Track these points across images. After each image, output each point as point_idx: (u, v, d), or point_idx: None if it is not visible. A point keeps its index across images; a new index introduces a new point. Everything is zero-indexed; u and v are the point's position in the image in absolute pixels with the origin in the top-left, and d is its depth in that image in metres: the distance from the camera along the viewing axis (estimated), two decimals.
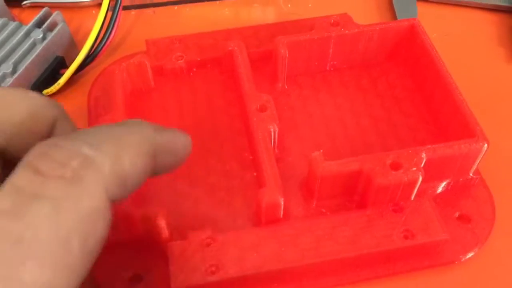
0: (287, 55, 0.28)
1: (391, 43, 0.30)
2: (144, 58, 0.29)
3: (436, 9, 0.36)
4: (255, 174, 0.26)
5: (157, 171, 0.18)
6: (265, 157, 0.24)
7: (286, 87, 0.30)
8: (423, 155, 0.23)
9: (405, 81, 0.30)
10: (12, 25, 0.31)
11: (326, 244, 0.23)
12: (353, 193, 0.25)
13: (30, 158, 0.15)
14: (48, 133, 0.19)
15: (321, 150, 0.24)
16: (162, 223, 0.23)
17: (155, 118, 0.29)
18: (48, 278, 0.13)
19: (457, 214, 0.26)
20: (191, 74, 0.31)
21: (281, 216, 0.24)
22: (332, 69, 0.31)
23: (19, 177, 0.14)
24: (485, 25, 0.36)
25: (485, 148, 0.24)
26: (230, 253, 0.23)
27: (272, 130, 0.25)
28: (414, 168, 0.23)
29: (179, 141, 0.19)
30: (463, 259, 0.24)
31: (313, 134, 0.28)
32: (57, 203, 0.14)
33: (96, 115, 0.29)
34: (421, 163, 0.23)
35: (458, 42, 0.35)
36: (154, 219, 0.22)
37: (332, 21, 0.29)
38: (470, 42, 0.35)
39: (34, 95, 0.19)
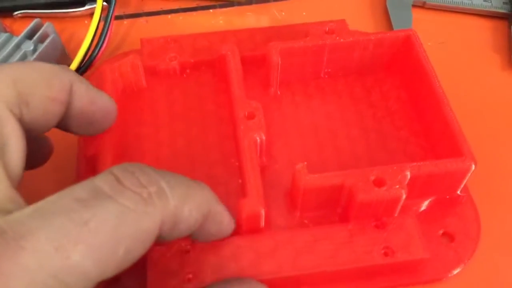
0: (279, 62, 0.28)
1: (386, 53, 0.29)
2: (136, 58, 0.28)
3: (431, 16, 0.36)
4: (240, 181, 0.26)
5: (199, 235, 0.21)
6: (249, 166, 0.24)
7: (279, 92, 0.30)
8: (408, 172, 0.23)
9: (399, 92, 0.30)
10: (3, 36, 0.31)
11: (305, 257, 0.23)
12: (336, 207, 0.24)
13: (115, 170, 0.17)
14: (68, 98, 0.21)
15: (305, 163, 0.23)
16: None
17: (146, 118, 0.29)
18: (88, 265, 0.15)
19: (441, 232, 0.25)
20: (184, 75, 0.30)
21: (263, 225, 0.24)
22: (326, 76, 0.30)
23: (102, 180, 0.17)
24: (481, 32, 0.35)
25: (473, 168, 0.24)
26: (208, 262, 0.23)
27: (258, 138, 0.25)
28: (398, 186, 0.23)
29: (227, 217, 0.22)
30: (445, 278, 0.24)
31: (302, 143, 0.28)
32: (125, 210, 0.16)
33: None
34: (405, 181, 0.23)
35: (453, 49, 0.34)
36: None
37: (327, 28, 0.29)
38: (465, 49, 0.34)
39: (45, 65, 0.20)
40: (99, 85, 0.28)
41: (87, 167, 0.25)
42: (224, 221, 0.22)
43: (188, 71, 0.30)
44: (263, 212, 0.23)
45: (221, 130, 0.28)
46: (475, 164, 0.24)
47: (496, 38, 0.35)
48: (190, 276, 0.22)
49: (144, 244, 0.17)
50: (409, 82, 0.29)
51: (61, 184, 0.26)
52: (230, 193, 0.26)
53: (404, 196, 0.23)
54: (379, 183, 0.23)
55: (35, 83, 0.19)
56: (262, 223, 0.24)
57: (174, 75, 0.30)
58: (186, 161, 0.27)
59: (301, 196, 0.24)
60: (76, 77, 0.21)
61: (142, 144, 0.28)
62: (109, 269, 0.16)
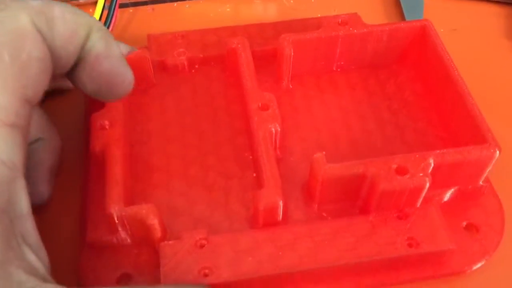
0: (292, 54, 0.27)
1: (401, 44, 0.29)
2: (145, 52, 0.28)
3: (443, 2, 0.36)
4: (254, 174, 0.25)
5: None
6: (265, 157, 0.23)
7: (291, 86, 0.29)
8: (431, 160, 0.22)
9: (414, 84, 0.29)
10: None
11: (325, 250, 0.22)
12: (356, 198, 0.23)
13: None
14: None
15: (324, 152, 0.23)
16: (154, 222, 0.22)
17: (154, 114, 0.28)
18: None
19: (464, 224, 0.24)
20: (193, 71, 0.30)
21: (280, 219, 0.23)
22: (338, 69, 0.30)
23: None
24: (493, 18, 0.35)
25: (497, 155, 0.23)
26: (225, 256, 0.22)
27: (273, 129, 0.24)
28: (421, 174, 0.22)
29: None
30: (469, 271, 0.23)
31: (317, 136, 0.27)
32: None
33: (92, 111, 0.28)
34: (429, 169, 0.22)
35: (466, 36, 0.34)
36: (145, 218, 0.21)
37: (340, 20, 0.28)
38: (478, 36, 0.34)
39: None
40: None
41: (96, 163, 0.25)
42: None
43: (196, 66, 0.30)
44: (281, 203, 0.22)
45: (232, 125, 0.27)
46: (500, 151, 0.23)
47: (509, 25, 0.34)
48: (206, 271, 0.21)
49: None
50: (424, 73, 0.28)
51: (68, 182, 0.26)
52: (245, 187, 0.25)
53: (427, 184, 0.22)
54: (401, 171, 0.22)
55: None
56: (280, 216, 0.23)
57: (183, 70, 0.29)
58: (198, 156, 0.26)
59: (319, 187, 0.23)
60: (97, 24, 0.21)
61: (150, 140, 0.27)
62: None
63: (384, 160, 0.22)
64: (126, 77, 0.22)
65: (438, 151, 0.23)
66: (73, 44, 0.20)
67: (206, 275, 0.21)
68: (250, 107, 0.25)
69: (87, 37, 0.20)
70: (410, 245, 0.22)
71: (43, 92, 0.19)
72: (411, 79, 0.29)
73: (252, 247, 0.22)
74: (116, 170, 0.23)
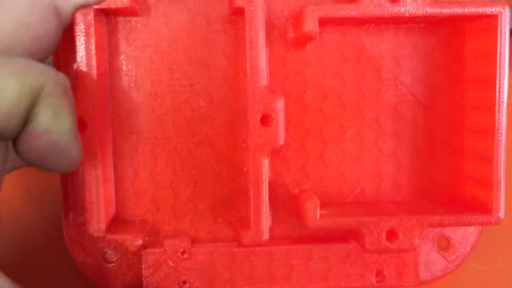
0: (317, 32, 0.21)
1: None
2: None
3: None
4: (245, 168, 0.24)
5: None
6: (257, 196, 0.21)
7: (308, 48, 0.23)
8: (425, 225, 0.21)
9: (442, 75, 0.24)
10: None
11: (299, 274, 0.23)
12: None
13: None
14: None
15: (318, 202, 0.21)
16: (138, 246, 0.22)
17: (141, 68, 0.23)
18: None
19: (435, 235, 0.25)
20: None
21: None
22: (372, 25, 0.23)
23: None
24: None
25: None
26: (204, 271, 0.23)
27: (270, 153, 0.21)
28: (409, 245, 0.21)
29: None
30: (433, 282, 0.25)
31: (320, 124, 0.24)
32: None
33: None
34: (420, 235, 0.22)
35: None
36: (129, 245, 0.22)
37: None
38: None
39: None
40: None
41: None
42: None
43: None
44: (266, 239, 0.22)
45: (229, 97, 0.23)
46: (498, 223, 0.22)
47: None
48: (185, 280, 0.23)
49: None
50: (465, 68, 0.23)
51: None
52: (235, 190, 0.24)
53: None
54: (391, 236, 0.21)
55: None
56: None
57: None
58: (188, 135, 0.23)
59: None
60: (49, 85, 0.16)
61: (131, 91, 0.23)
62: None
63: (377, 221, 0.21)
64: (71, 153, 0.18)
65: (437, 217, 0.22)
66: (14, 109, 0.16)
67: (184, 283, 0.23)
68: (250, 114, 0.21)
69: (32, 103, 0.16)
70: (377, 281, 0.24)
71: None
72: (441, 69, 0.24)
73: (230, 264, 0.23)
74: (97, 191, 0.21)
